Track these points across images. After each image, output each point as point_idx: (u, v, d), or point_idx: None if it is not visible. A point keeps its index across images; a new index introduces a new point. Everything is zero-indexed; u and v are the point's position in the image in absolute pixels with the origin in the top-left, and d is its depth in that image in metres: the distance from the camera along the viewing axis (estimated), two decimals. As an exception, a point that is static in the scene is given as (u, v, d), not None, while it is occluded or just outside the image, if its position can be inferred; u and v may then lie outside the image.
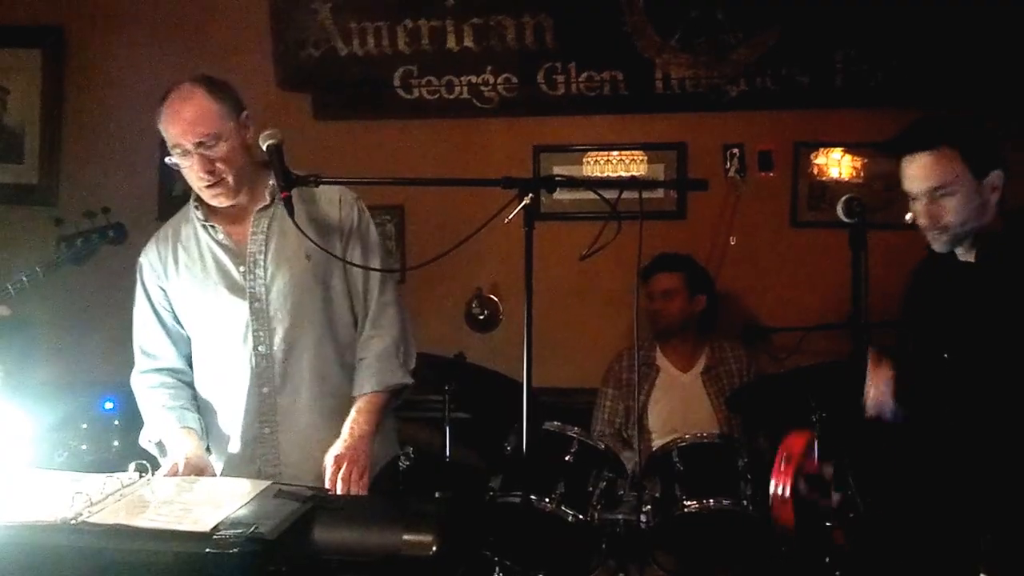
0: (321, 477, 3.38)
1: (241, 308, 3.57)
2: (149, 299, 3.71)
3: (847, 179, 5.76)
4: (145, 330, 3.73)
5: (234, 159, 3.48)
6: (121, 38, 6.14)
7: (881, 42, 5.64)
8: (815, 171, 5.83)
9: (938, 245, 3.46)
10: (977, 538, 3.30)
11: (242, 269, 3.58)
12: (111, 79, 6.09)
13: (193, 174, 3.47)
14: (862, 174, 5.74)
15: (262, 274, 3.57)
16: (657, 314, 5.40)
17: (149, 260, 3.71)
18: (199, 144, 3.43)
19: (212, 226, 3.62)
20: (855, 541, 3.52)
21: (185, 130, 3.43)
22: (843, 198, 3.36)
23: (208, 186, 3.48)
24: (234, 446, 3.62)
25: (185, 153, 3.44)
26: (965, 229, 3.41)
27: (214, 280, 3.61)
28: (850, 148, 5.76)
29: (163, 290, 3.69)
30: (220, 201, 3.53)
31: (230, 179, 3.49)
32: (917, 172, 3.43)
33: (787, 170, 5.84)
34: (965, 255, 3.50)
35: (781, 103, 5.83)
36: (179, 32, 6.08)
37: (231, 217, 3.63)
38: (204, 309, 3.63)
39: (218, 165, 3.46)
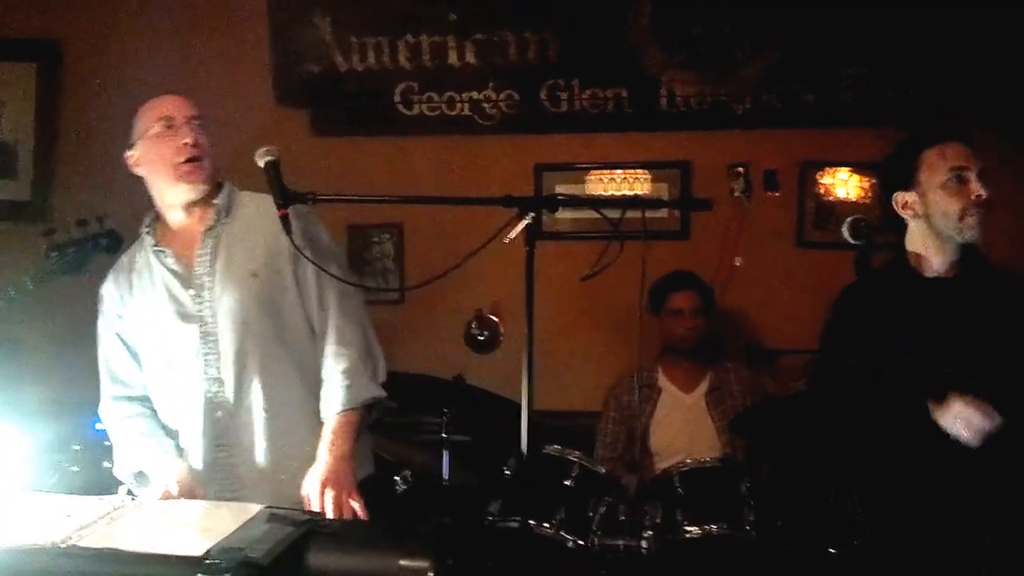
0: (281, 498, 3.27)
1: (191, 332, 3.51)
2: (112, 329, 3.67)
3: (854, 199, 5.73)
4: (113, 359, 3.68)
5: (211, 154, 3.51)
6: (117, 53, 6.08)
7: (889, 60, 5.62)
8: (821, 191, 5.79)
9: (973, 232, 3.47)
10: (979, 538, 3.30)
11: (191, 292, 3.53)
12: (107, 94, 6.02)
13: (177, 144, 3.49)
14: (869, 194, 5.69)
15: (209, 296, 3.51)
16: (688, 331, 5.34)
17: (108, 290, 3.68)
18: (192, 118, 3.52)
19: (162, 250, 3.58)
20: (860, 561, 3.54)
21: (180, 104, 3.55)
22: (849, 219, 3.38)
23: (190, 159, 3.49)
24: (194, 472, 3.52)
25: (170, 126, 3.50)
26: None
27: (164, 305, 3.55)
28: (857, 168, 5.72)
29: (121, 318, 3.65)
30: (193, 180, 3.51)
31: (207, 163, 3.51)
32: (966, 151, 3.51)
33: (793, 189, 5.81)
34: (934, 271, 3.53)
35: (787, 121, 5.80)
36: (176, 47, 6.01)
37: (181, 240, 3.60)
38: (156, 335, 3.57)
39: (202, 144, 3.50)
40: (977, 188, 3.43)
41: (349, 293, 3.60)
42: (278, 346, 3.52)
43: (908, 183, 3.54)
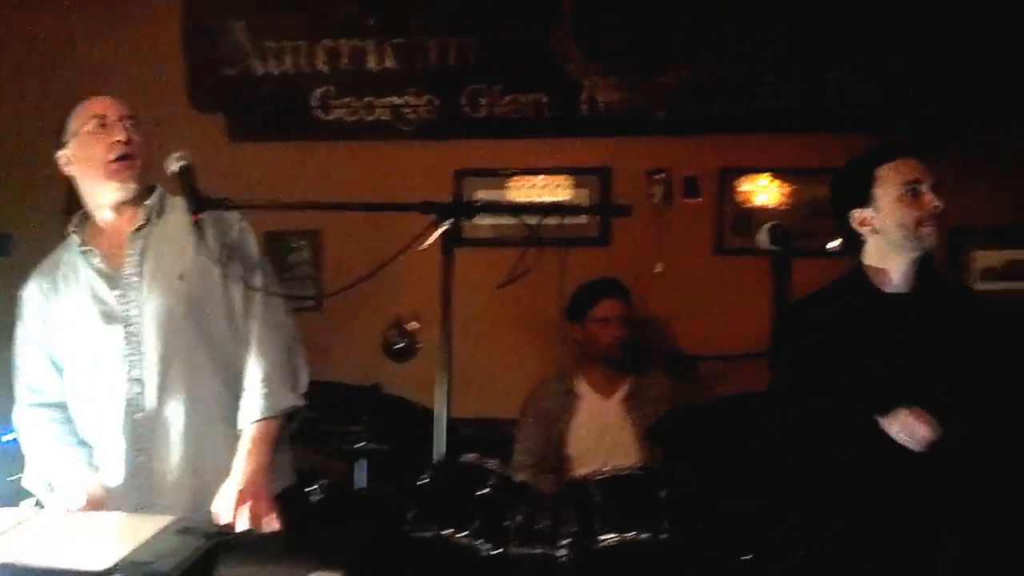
0: (201, 505, 3.30)
1: (115, 333, 3.47)
2: (33, 333, 3.61)
3: (773, 205, 5.75)
4: (31, 364, 3.62)
5: (143, 154, 3.50)
6: (25, 54, 5.99)
7: (808, 67, 5.64)
8: (741, 197, 5.80)
9: (930, 241, 3.57)
10: (941, 546, 3.35)
11: (117, 293, 3.49)
12: (14, 95, 5.90)
13: (109, 142, 3.46)
14: (788, 200, 5.72)
15: (136, 297, 3.48)
16: (616, 339, 5.32)
17: (29, 293, 3.62)
18: (125, 117, 3.50)
19: (89, 250, 3.54)
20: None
21: (113, 104, 3.53)
22: (766, 225, 3.41)
23: (121, 157, 3.46)
24: (114, 478, 3.48)
25: (103, 124, 3.47)
26: None
27: (89, 306, 3.51)
28: (776, 173, 5.74)
29: (43, 322, 3.59)
30: (123, 178, 3.48)
31: (139, 162, 3.50)
32: (920, 165, 3.60)
33: (713, 196, 5.81)
34: (893, 286, 3.61)
35: (707, 127, 5.80)
36: (88, 49, 5.93)
37: (109, 240, 3.57)
38: (81, 336, 3.52)
39: (135, 142, 3.48)
40: (932, 200, 3.53)
41: (274, 301, 3.58)
42: (203, 350, 3.50)
43: (864, 200, 3.61)
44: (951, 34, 5.50)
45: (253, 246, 3.60)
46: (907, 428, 3.36)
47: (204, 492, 3.37)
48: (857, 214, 3.63)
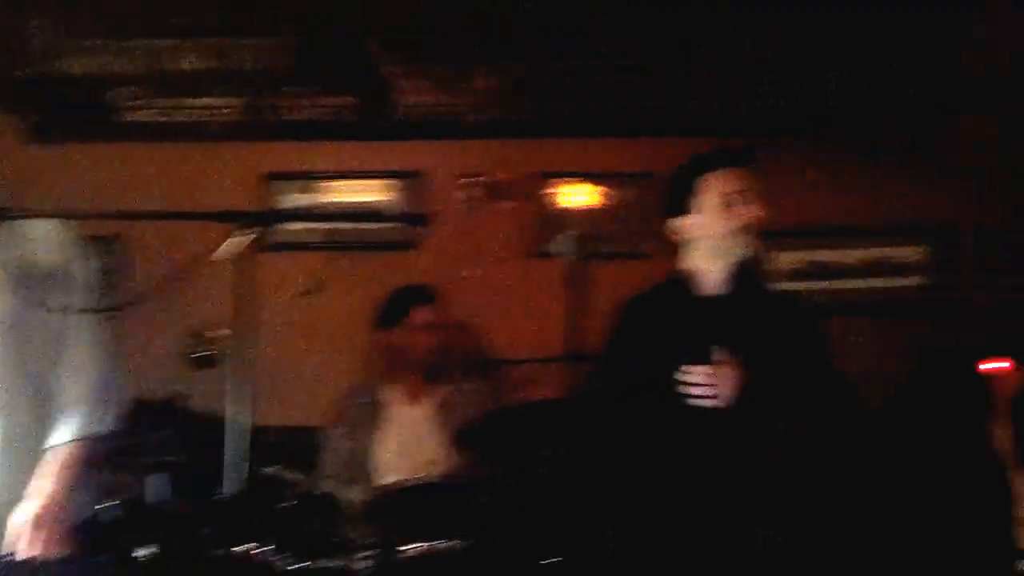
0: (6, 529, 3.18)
1: None
2: None
3: (586, 209, 5.80)
4: None
5: None
6: None
7: (625, 71, 5.68)
8: (554, 201, 5.84)
9: (748, 250, 3.67)
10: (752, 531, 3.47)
11: None
12: None
13: None
14: (601, 205, 5.78)
15: None
16: (432, 346, 5.25)
17: None
18: None
19: None
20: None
21: None
22: (565, 233, 3.52)
23: None
24: None
25: None
26: None
27: None
28: (589, 178, 5.79)
29: None
30: None
31: None
32: (742, 174, 3.70)
33: (526, 200, 5.86)
34: (709, 289, 3.71)
35: (522, 132, 5.85)
36: None
37: None
38: None
39: None
40: (752, 210, 3.63)
41: (91, 319, 3.44)
42: (19, 366, 3.35)
43: (686, 207, 3.71)
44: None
45: (72, 258, 3.46)
46: (716, 378, 3.44)
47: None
48: (679, 220, 3.72)
